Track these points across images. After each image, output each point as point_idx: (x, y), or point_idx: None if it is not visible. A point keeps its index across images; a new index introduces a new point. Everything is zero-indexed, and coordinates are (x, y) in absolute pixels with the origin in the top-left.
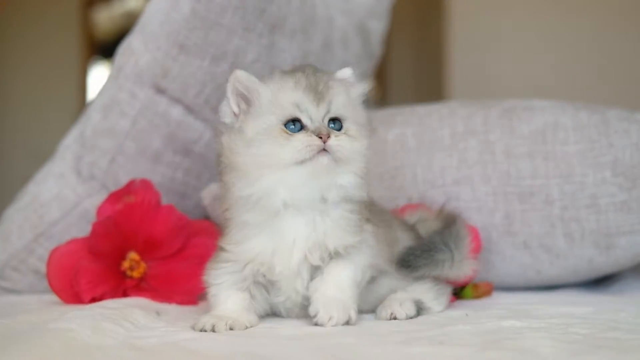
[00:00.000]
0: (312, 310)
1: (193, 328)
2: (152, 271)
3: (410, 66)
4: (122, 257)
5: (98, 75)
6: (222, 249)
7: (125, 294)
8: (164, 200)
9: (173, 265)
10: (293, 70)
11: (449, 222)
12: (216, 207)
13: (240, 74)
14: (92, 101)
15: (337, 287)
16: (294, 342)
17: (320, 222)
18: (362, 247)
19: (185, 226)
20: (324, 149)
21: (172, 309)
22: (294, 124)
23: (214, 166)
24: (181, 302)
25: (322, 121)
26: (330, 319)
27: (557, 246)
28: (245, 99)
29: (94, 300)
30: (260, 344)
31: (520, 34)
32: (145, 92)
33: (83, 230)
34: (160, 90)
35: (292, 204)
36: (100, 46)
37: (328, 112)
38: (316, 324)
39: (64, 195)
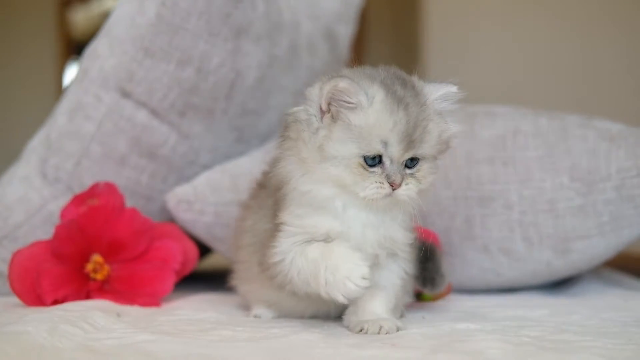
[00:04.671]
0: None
1: None
2: (115, 273)
3: None
4: (86, 260)
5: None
6: (284, 225)
7: (88, 296)
8: (130, 204)
9: (137, 267)
10: (397, 99)
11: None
12: (182, 208)
13: (345, 86)
14: (58, 104)
15: (377, 309)
16: (249, 344)
17: (388, 219)
18: (405, 255)
19: (149, 229)
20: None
21: (133, 311)
22: (374, 158)
23: (178, 169)
24: (144, 304)
25: (401, 164)
26: (380, 328)
27: (516, 250)
28: (336, 110)
29: (56, 302)
30: (216, 346)
31: (495, 39)
32: (110, 95)
33: (48, 232)
34: (125, 94)
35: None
36: (77, 46)
37: (415, 153)
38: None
39: (28, 198)
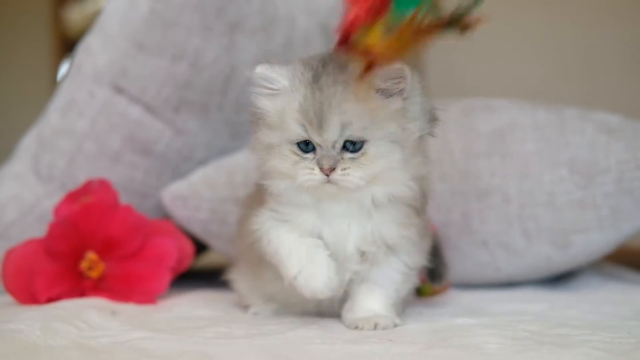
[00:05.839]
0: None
1: None
2: (110, 271)
3: None
4: (80, 258)
5: None
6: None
7: (83, 294)
8: (125, 201)
9: (132, 265)
10: (308, 79)
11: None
12: (177, 205)
13: (260, 70)
14: (51, 101)
15: (375, 306)
16: (244, 341)
17: (374, 212)
18: (404, 248)
19: (144, 226)
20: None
21: (128, 309)
22: (308, 144)
23: (174, 165)
24: (139, 302)
25: (335, 145)
26: (376, 325)
27: (515, 244)
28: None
29: (50, 300)
30: (211, 343)
31: (494, 35)
32: (104, 91)
33: (41, 231)
34: (119, 90)
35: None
36: (72, 45)
37: (341, 136)
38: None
39: (22, 196)
